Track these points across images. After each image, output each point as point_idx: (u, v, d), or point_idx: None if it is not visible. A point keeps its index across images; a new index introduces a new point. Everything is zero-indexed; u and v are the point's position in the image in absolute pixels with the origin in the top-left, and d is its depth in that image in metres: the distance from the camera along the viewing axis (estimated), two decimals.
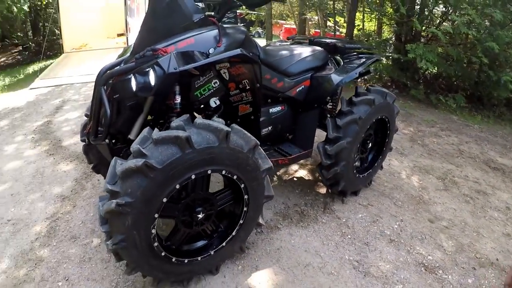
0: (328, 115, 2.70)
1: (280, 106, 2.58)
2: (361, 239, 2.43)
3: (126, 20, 9.37)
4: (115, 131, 1.95)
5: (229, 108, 2.27)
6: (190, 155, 1.52)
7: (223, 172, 1.70)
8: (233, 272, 2.06)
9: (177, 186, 1.55)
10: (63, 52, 9.52)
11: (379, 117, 2.69)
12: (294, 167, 3.38)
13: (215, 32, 1.92)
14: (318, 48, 2.80)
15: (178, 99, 1.88)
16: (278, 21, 18.53)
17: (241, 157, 1.71)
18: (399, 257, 2.29)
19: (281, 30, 17.45)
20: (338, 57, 2.89)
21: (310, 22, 11.26)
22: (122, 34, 10.04)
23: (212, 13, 2.04)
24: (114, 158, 1.59)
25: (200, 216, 1.81)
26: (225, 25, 2.10)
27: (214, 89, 2.09)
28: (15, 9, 11.13)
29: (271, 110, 2.52)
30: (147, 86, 1.66)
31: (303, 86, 2.62)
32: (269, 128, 2.51)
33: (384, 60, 6.64)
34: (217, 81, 2.08)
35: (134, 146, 1.50)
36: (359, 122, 2.46)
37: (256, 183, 1.87)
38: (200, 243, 1.94)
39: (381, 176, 3.31)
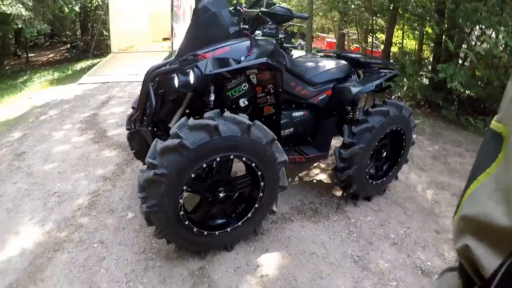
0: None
1: (303, 111, 2.93)
2: (365, 239, 2.68)
3: (172, 26, 10.07)
4: (158, 120, 2.39)
5: (256, 108, 2.63)
6: (216, 140, 1.90)
7: (244, 159, 2.07)
8: (245, 251, 2.39)
9: (204, 165, 1.93)
10: (110, 52, 10.32)
11: (394, 128, 2.94)
12: (315, 170, 3.68)
13: (247, 43, 2.32)
14: (343, 61, 3.12)
15: (212, 97, 2.32)
16: (320, 34, 18.87)
17: (260, 147, 2.07)
18: (399, 259, 2.51)
19: (323, 44, 17.88)
20: (360, 71, 3.19)
21: (351, 37, 11.48)
22: (167, 39, 10.72)
23: (246, 27, 2.43)
24: (155, 139, 1.99)
25: (221, 195, 2.17)
26: (257, 37, 2.49)
27: (244, 91, 2.46)
28: (67, 10, 12.18)
29: (294, 114, 2.88)
30: (187, 84, 2.08)
31: (325, 95, 2.96)
32: (291, 129, 2.87)
33: (418, 79, 6.79)
34: (246, 85, 2.45)
35: (172, 130, 1.90)
36: (372, 131, 2.75)
37: (272, 173, 2.21)
38: (219, 220, 2.30)
39: (396, 187, 3.52)
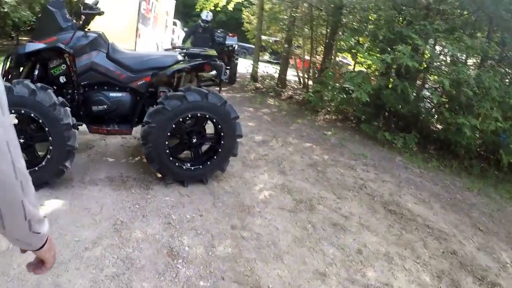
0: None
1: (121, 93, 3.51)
2: (145, 211, 3.02)
3: (137, 27, 10.71)
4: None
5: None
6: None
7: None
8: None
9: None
10: None
11: (199, 115, 3.37)
12: None
13: (70, 34, 3.19)
14: (169, 53, 3.67)
15: (36, 72, 3.29)
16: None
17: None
18: (158, 235, 2.80)
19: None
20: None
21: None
22: None
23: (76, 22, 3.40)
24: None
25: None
26: (86, 32, 3.38)
27: (62, 70, 3.30)
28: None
29: (110, 94, 3.47)
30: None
31: (143, 81, 3.48)
32: (105, 106, 3.44)
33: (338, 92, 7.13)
34: (65, 65, 3.29)
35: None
36: (165, 113, 3.21)
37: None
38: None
39: (230, 180, 3.83)
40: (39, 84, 2.94)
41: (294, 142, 5.63)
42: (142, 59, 3.51)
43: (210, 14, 8.89)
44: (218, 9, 13.98)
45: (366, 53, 6.58)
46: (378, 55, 6.22)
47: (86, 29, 3.40)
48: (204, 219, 3.08)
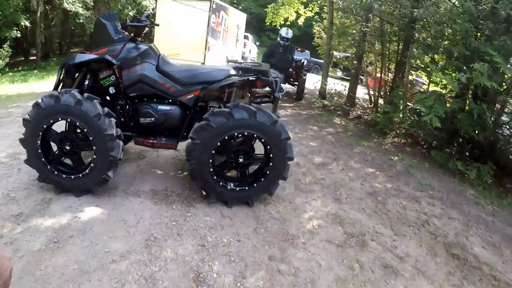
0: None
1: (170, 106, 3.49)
2: (181, 229, 2.93)
3: (206, 40, 11.04)
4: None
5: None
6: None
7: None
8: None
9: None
10: None
11: (246, 133, 3.17)
12: None
13: (120, 46, 3.27)
14: (221, 67, 3.57)
15: (86, 81, 3.42)
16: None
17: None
18: (188, 256, 2.69)
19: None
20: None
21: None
22: None
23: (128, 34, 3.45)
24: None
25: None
26: (137, 43, 3.42)
27: (112, 81, 3.43)
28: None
29: (159, 107, 3.47)
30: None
31: (193, 95, 3.43)
32: (152, 119, 3.44)
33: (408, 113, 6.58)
34: (114, 76, 3.43)
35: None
36: (210, 129, 3.09)
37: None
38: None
39: (279, 205, 3.59)
40: (85, 94, 3.04)
41: (356, 166, 5.23)
42: (192, 72, 3.46)
43: (290, 31, 8.55)
44: (288, 23, 13.90)
45: (441, 72, 5.99)
46: (454, 74, 5.65)
47: (137, 41, 3.45)
48: (241, 245, 2.89)
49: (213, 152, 3.15)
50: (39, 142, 3.07)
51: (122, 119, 3.45)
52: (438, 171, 5.66)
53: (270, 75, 3.44)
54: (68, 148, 3.17)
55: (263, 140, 3.20)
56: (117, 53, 3.24)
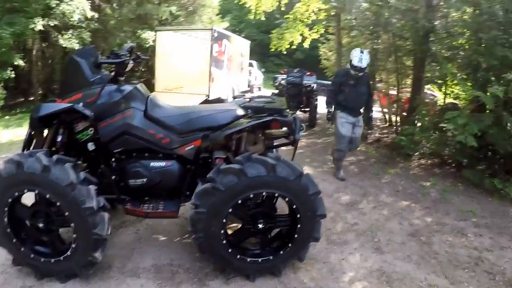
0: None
1: (165, 162, 2.80)
2: None
3: (209, 71, 10.59)
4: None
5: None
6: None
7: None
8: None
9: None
10: (153, 91, 11.11)
11: (265, 194, 2.57)
12: None
13: (97, 90, 2.64)
14: (228, 107, 2.87)
15: (59, 138, 2.69)
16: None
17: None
18: None
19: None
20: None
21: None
22: None
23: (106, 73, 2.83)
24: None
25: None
26: (119, 85, 2.75)
27: (90, 135, 2.73)
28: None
29: (151, 164, 2.78)
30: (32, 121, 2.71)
31: (193, 145, 2.75)
32: (144, 180, 2.77)
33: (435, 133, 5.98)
34: (92, 129, 2.73)
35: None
36: (216, 194, 2.44)
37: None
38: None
39: (311, 268, 2.94)
40: (55, 157, 2.39)
41: (388, 201, 4.61)
42: (190, 116, 2.73)
43: (366, 55, 5.11)
44: (294, 47, 13.51)
45: (464, 86, 5.46)
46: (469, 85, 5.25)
47: (120, 81, 2.80)
48: None
49: (224, 221, 2.50)
50: (6, 220, 2.46)
51: (105, 184, 2.74)
52: (474, 191, 5.19)
53: (288, 113, 2.81)
54: (42, 225, 2.51)
55: (287, 199, 2.56)
56: (94, 99, 2.58)
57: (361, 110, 5.37)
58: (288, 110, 2.88)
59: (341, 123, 5.11)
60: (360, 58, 4.94)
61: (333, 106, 5.26)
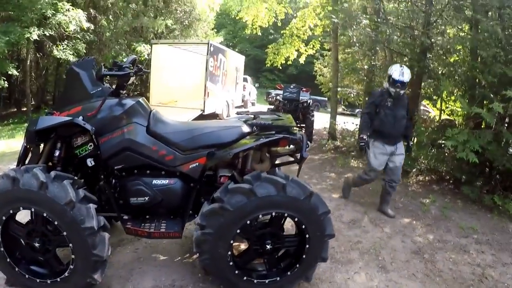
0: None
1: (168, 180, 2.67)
2: None
3: (205, 85, 10.55)
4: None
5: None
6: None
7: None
8: None
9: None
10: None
11: (275, 214, 2.47)
12: None
13: (98, 103, 2.50)
14: (233, 122, 2.78)
15: (56, 152, 2.57)
16: None
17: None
18: None
19: None
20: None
21: None
22: None
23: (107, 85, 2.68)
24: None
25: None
26: (120, 98, 2.64)
27: (89, 150, 2.59)
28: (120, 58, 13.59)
29: (154, 182, 2.64)
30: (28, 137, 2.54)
31: (197, 163, 2.62)
32: (146, 198, 2.63)
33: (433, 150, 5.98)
34: (92, 144, 2.60)
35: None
36: (224, 214, 2.33)
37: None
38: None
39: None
40: (53, 173, 2.26)
41: (389, 218, 4.54)
42: (194, 133, 2.61)
43: (407, 70, 4.42)
44: (289, 63, 13.56)
45: (464, 102, 5.46)
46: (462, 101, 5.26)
47: (121, 95, 2.70)
48: None
49: (232, 242, 2.40)
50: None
51: (105, 202, 2.64)
52: (473, 207, 5.23)
53: (295, 131, 2.71)
54: (38, 244, 2.37)
55: (296, 219, 2.47)
56: (94, 113, 2.45)
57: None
58: (295, 128, 2.79)
59: (375, 154, 4.42)
60: (401, 71, 4.29)
61: (367, 133, 4.48)
